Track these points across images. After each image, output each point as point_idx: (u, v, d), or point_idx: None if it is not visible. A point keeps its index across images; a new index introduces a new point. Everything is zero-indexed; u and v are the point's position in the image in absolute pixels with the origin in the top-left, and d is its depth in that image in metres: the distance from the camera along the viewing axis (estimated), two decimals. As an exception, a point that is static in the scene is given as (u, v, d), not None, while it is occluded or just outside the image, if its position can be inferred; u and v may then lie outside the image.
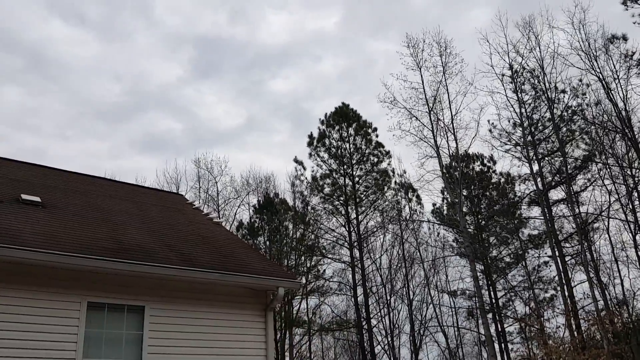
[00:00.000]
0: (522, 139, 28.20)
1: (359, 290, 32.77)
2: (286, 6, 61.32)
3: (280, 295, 10.81)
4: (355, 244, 33.11)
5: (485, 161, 38.16)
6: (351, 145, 33.99)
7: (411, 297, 35.53)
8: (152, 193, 15.02)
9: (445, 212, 37.85)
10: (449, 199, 32.46)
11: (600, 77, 24.24)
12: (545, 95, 27.81)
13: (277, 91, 58.08)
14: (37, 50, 54.84)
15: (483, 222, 36.72)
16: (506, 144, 29.00)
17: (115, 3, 58.17)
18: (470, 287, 33.76)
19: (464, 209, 37.78)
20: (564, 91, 27.72)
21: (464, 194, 37.93)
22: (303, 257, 34.63)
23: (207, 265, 10.31)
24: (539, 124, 28.43)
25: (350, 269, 33.39)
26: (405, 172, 35.38)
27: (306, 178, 34.07)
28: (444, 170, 29.23)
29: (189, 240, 11.66)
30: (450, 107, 29.41)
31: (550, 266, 31.46)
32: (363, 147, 34.00)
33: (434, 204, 37.78)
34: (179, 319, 9.78)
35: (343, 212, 33.28)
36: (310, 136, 34.20)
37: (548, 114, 27.84)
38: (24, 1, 54.51)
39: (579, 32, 25.80)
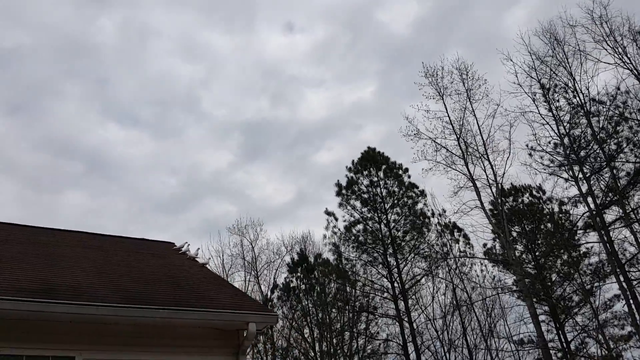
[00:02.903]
0: (566, 159, 25.70)
1: (410, 347, 29.89)
2: (323, 84, 64.22)
3: (251, 332, 8.93)
4: (399, 295, 30.53)
5: (534, 192, 35.42)
6: (382, 190, 31.97)
7: (471, 348, 32.17)
8: (136, 242, 13.59)
9: (498, 250, 34.97)
10: (497, 233, 29.70)
11: (632, 67, 21.93)
12: (584, 109, 25.50)
13: (322, 163, 60.27)
14: (96, 154, 58.88)
15: (542, 260, 33.59)
16: (549, 166, 26.49)
17: (165, 102, 62.27)
18: (534, 332, 30.33)
19: (519, 247, 34.86)
20: (601, 102, 25.35)
21: (517, 230, 35.08)
22: (354, 317, 32.33)
23: (156, 303, 8.65)
24: (582, 140, 25.94)
25: (397, 323, 30.63)
26: (445, 211, 32.76)
27: (339, 229, 32.11)
28: (482, 201, 26.79)
29: (149, 280, 10.06)
30: (480, 132, 27.38)
31: (621, 299, 28.02)
32: (395, 189, 31.90)
33: (484, 245, 35.01)
34: (120, 370, 8.09)
35: (381, 261, 30.92)
36: (339, 185, 32.44)
37: (589, 129, 25.42)
38: (80, 109, 58.79)
39: (601, 27, 23.73)
